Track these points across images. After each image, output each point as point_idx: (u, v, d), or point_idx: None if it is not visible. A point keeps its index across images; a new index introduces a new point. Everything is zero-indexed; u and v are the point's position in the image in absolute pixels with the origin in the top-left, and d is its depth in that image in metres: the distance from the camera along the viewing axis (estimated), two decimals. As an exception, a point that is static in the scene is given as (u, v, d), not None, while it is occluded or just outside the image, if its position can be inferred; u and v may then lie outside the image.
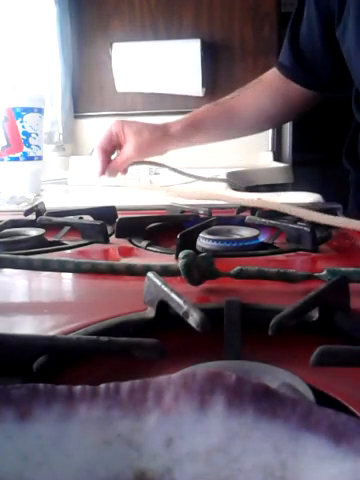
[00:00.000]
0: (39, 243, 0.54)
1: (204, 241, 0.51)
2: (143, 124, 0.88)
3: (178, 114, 1.80)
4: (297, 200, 0.82)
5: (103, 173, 0.86)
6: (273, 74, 0.89)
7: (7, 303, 0.38)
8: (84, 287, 0.42)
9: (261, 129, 0.99)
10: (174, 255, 0.47)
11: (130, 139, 0.85)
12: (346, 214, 0.71)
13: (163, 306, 0.30)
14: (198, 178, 1.03)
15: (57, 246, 0.54)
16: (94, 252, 0.53)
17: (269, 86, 0.89)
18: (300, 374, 0.23)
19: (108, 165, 0.86)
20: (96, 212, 0.65)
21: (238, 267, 0.37)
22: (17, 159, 0.99)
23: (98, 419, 0.15)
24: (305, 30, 0.82)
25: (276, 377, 0.22)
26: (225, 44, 1.79)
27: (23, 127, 0.98)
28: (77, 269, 0.40)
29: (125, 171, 0.90)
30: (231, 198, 0.75)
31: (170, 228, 0.59)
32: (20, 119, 0.98)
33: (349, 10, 0.71)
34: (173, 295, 0.29)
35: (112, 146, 0.87)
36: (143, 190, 0.99)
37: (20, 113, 0.98)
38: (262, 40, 1.78)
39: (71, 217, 0.63)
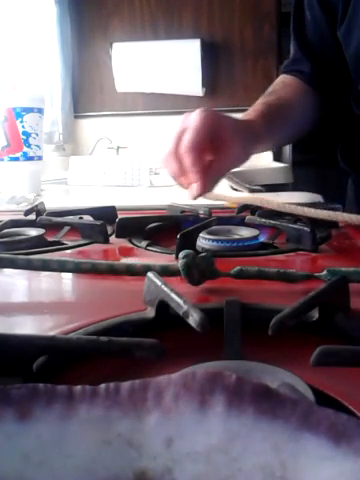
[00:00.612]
0: (39, 243, 0.54)
1: (204, 241, 0.51)
2: (233, 119, 0.65)
3: (178, 114, 1.81)
4: (297, 200, 0.82)
5: (204, 191, 0.59)
6: (292, 79, 0.82)
7: (7, 303, 0.38)
8: (84, 287, 0.42)
9: (307, 130, 0.84)
10: (174, 255, 0.47)
11: (235, 137, 0.61)
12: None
13: (163, 306, 0.30)
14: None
15: (57, 246, 0.54)
16: (94, 252, 0.53)
17: (298, 89, 0.81)
18: (300, 374, 0.23)
19: (205, 173, 0.58)
20: (96, 212, 0.65)
21: (238, 267, 0.37)
22: (17, 159, 1.00)
23: (98, 419, 0.15)
24: (312, 33, 0.80)
25: (276, 377, 0.22)
26: (225, 44, 1.80)
27: (23, 127, 0.98)
28: (77, 269, 0.40)
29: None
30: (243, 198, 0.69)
31: (170, 228, 0.59)
32: (20, 119, 0.98)
33: (354, 11, 0.70)
34: (173, 295, 0.29)
35: (209, 148, 0.60)
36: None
37: (20, 113, 0.98)
38: (262, 40, 1.78)
39: (71, 217, 0.63)
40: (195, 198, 0.60)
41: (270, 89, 0.81)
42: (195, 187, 0.58)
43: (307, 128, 0.84)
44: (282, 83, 0.82)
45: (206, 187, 0.59)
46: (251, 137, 0.64)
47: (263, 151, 0.81)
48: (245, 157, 0.64)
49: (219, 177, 0.62)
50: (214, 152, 0.60)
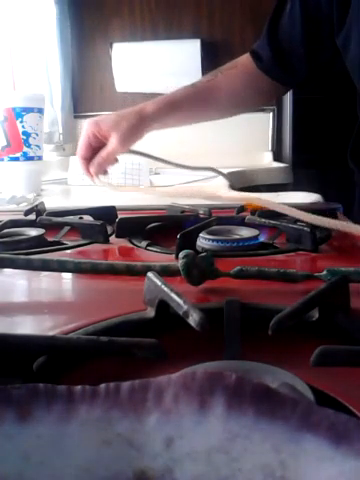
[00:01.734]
0: (39, 243, 0.54)
1: (204, 241, 0.51)
2: (117, 115, 0.86)
3: (178, 114, 1.81)
4: (297, 200, 0.82)
5: (94, 176, 0.85)
6: (247, 61, 0.89)
7: (7, 303, 0.38)
8: (84, 287, 0.42)
9: (232, 113, 0.98)
10: (174, 255, 0.47)
11: (111, 134, 0.82)
12: (351, 216, 0.71)
13: (163, 306, 0.30)
14: (184, 167, 1.01)
15: (57, 246, 0.54)
16: (94, 252, 0.53)
17: (244, 72, 0.90)
18: (300, 374, 0.23)
19: (91, 163, 0.84)
20: (96, 212, 0.65)
21: (238, 267, 0.37)
22: (17, 159, 1.00)
23: (98, 419, 0.15)
24: (286, 28, 0.83)
25: (276, 377, 0.22)
26: (225, 44, 1.79)
27: (23, 127, 0.98)
28: (77, 269, 0.40)
29: (106, 170, 0.88)
30: (229, 198, 0.74)
31: (170, 228, 0.59)
32: (20, 119, 0.98)
33: (352, 19, 0.71)
34: (173, 295, 0.29)
35: (93, 151, 0.84)
36: (139, 191, 0.97)
37: (20, 113, 0.98)
38: (262, 40, 1.78)
39: (71, 217, 0.63)
40: (93, 180, 0.86)
41: (222, 66, 0.94)
42: (86, 173, 0.85)
43: (239, 110, 0.98)
44: (233, 63, 0.92)
45: (89, 173, 0.84)
46: (131, 128, 0.83)
47: (164, 128, 0.94)
48: (123, 145, 0.83)
49: (102, 161, 0.83)
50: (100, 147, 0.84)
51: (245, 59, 0.90)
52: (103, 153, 0.83)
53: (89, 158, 0.84)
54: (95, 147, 0.84)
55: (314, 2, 0.76)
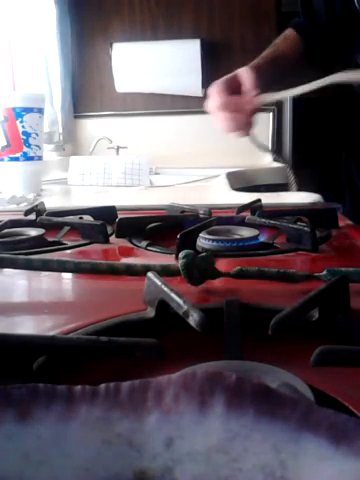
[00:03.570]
0: (39, 243, 0.54)
1: (204, 241, 0.51)
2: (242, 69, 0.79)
3: (178, 114, 1.81)
4: (297, 200, 0.82)
5: (248, 100, 0.73)
6: (296, 36, 0.89)
7: (7, 303, 0.38)
8: (84, 287, 0.42)
9: (298, 79, 0.97)
10: (174, 255, 0.47)
11: (239, 73, 0.76)
12: (345, 208, 0.71)
13: (163, 306, 0.30)
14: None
15: (57, 246, 0.54)
16: (94, 252, 0.53)
17: (296, 47, 0.89)
18: (300, 374, 0.23)
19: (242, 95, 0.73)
20: (96, 212, 0.65)
21: (238, 267, 0.37)
22: (17, 159, 1.00)
23: (98, 419, 0.15)
24: (321, 6, 0.84)
25: (276, 377, 0.22)
26: (225, 44, 1.79)
27: (23, 127, 0.98)
28: (77, 269, 0.40)
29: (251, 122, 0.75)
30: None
31: (170, 228, 0.59)
32: (20, 119, 0.98)
33: None
34: (173, 295, 0.29)
35: (232, 90, 0.74)
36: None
37: (20, 113, 0.98)
38: (262, 40, 1.77)
39: (71, 217, 0.63)
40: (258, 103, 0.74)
41: (274, 42, 0.91)
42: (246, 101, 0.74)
43: (298, 78, 0.92)
44: (284, 36, 0.91)
45: (250, 98, 0.73)
46: (255, 70, 0.76)
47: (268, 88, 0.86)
48: (257, 79, 0.74)
49: (253, 87, 0.73)
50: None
51: (292, 34, 0.90)
52: (247, 82, 0.74)
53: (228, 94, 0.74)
54: (234, 88, 0.75)
55: None
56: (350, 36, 0.81)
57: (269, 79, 0.81)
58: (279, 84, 0.85)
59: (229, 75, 0.77)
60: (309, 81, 0.75)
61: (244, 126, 0.73)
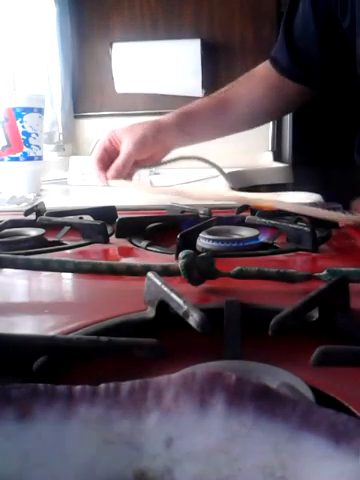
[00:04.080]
0: (39, 243, 0.54)
1: (204, 241, 0.51)
2: (135, 123, 0.86)
3: (178, 114, 1.81)
4: (297, 200, 0.81)
5: (106, 179, 0.83)
6: (266, 68, 0.88)
7: (7, 303, 0.38)
8: (84, 287, 0.42)
9: (256, 123, 0.96)
10: (174, 255, 0.47)
11: (124, 137, 0.82)
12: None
13: (163, 306, 0.30)
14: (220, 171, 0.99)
15: (57, 246, 0.54)
16: (94, 252, 0.53)
17: (263, 80, 0.89)
18: (300, 374, 0.23)
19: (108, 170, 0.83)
20: (96, 212, 0.65)
21: (238, 267, 0.37)
22: (17, 159, 1.00)
23: (98, 419, 0.15)
24: (300, 26, 0.82)
25: (276, 377, 0.22)
26: (225, 44, 1.79)
27: (23, 127, 0.98)
28: (77, 269, 0.40)
29: (130, 175, 0.85)
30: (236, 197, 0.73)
31: (170, 228, 0.59)
32: (20, 119, 0.98)
33: (354, 6, 0.71)
34: (173, 295, 0.29)
35: (108, 154, 0.84)
36: (148, 192, 0.91)
37: (20, 113, 0.98)
38: (262, 40, 1.78)
39: (71, 217, 0.63)
40: (109, 182, 0.83)
41: (240, 77, 0.91)
42: (101, 180, 0.85)
43: (262, 119, 0.96)
44: (250, 73, 0.91)
45: (108, 176, 0.82)
46: (146, 136, 0.82)
47: (189, 144, 0.93)
48: (137, 151, 0.82)
49: (117, 168, 0.82)
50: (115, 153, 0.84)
51: (262, 68, 0.90)
52: (118, 159, 0.82)
53: (105, 160, 0.84)
54: (110, 152, 0.84)
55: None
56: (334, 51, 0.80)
57: (183, 129, 0.85)
58: (217, 128, 0.91)
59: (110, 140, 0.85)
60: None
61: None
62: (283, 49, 0.85)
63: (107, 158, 0.84)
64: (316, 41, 0.80)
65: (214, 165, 0.98)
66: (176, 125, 0.85)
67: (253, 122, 0.96)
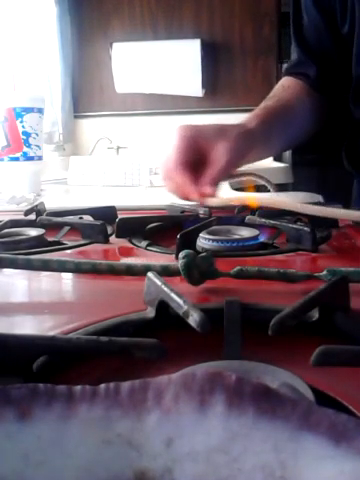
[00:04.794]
0: (39, 243, 0.54)
1: (204, 241, 0.51)
2: (219, 124, 0.68)
3: (178, 114, 1.81)
4: (297, 200, 0.81)
5: (203, 194, 0.61)
6: (296, 83, 0.83)
7: (7, 303, 0.38)
8: (84, 287, 0.42)
9: (310, 134, 0.86)
10: (174, 255, 0.47)
11: (217, 140, 0.63)
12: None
13: (163, 306, 0.30)
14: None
15: (57, 246, 0.54)
16: (94, 252, 0.53)
17: (300, 92, 0.82)
18: (300, 374, 0.23)
19: (199, 183, 0.61)
20: (96, 212, 0.65)
21: (238, 267, 0.37)
22: (17, 159, 1.00)
23: (98, 419, 0.15)
24: (312, 34, 0.81)
25: (276, 377, 0.22)
26: (225, 44, 1.79)
27: (23, 127, 0.98)
28: (77, 269, 0.40)
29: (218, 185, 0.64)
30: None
31: (170, 228, 0.59)
32: (20, 119, 0.98)
33: (355, 12, 0.70)
34: (173, 295, 0.29)
35: (195, 157, 0.63)
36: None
37: (20, 113, 0.98)
38: (262, 40, 1.78)
39: (71, 217, 0.63)
40: (203, 204, 0.63)
41: (271, 93, 0.82)
42: (195, 196, 0.62)
43: (309, 131, 0.86)
44: (282, 86, 0.84)
45: (203, 193, 0.61)
46: (241, 141, 0.65)
47: (265, 157, 0.82)
48: (236, 160, 0.65)
49: (214, 182, 0.63)
50: (201, 162, 0.63)
51: (289, 81, 0.84)
52: (215, 168, 0.62)
53: (192, 165, 0.63)
54: (196, 155, 0.63)
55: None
56: (345, 58, 0.77)
57: (268, 136, 0.72)
58: (280, 138, 0.78)
59: (196, 143, 0.63)
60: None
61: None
62: (308, 64, 0.82)
63: (193, 162, 0.63)
64: (333, 49, 0.79)
65: (268, 181, 0.88)
66: (263, 135, 0.71)
67: (309, 133, 0.86)
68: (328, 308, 0.30)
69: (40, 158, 1.03)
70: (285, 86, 0.83)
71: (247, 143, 0.66)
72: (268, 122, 0.72)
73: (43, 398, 0.15)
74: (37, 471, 0.15)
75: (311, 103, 0.82)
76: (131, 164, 1.18)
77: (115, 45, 1.75)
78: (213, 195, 0.62)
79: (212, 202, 0.62)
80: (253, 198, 0.61)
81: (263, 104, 0.78)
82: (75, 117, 1.84)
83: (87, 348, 0.25)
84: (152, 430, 0.15)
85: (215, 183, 0.62)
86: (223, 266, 0.37)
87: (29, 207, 0.68)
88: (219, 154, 0.63)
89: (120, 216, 0.59)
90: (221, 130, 0.65)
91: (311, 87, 0.82)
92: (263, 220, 0.54)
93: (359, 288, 0.34)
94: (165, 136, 0.71)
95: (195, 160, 0.63)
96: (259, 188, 0.99)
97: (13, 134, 0.98)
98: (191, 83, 1.74)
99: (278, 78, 0.94)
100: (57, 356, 0.26)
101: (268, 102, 0.78)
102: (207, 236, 0.51)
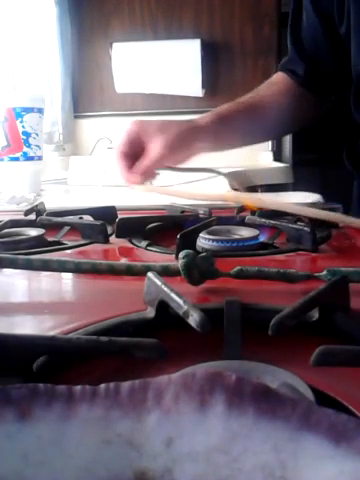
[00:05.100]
0: (39, 243, 0.54)
1: (204, 241, 0.51)
2: (167, 120, 0.77)
3: (178, 114, 1.81)
4: (297, 200, 0.82)
5: (131, 181, 0.72)
6: (284, 79, 0.86)
7: (7, 303, 0.38)
8: (84, 287, 0.42)
9: (283, 132, 0.91)
10: (174, 255, 0.47)
11: (157, 135, 0.71)
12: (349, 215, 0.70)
13: (163, 306, 0.30)
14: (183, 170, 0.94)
15: (57, 246, 0.54)
16: (94, 252, 0.53)
17: (285, 89, 0.85)
18: (300, 374, 0.23)
19: (133, 170, 0.71)
20: (96, 212, 0.65)
21: (238, 267, 0.37)
22: (17, 159, 1.00)
23: (98, 419, 0.15)
24: (308, 34, 0.82)
25: (276, 377, 0.22)
26: (225, 44, 1.79)
27: (23, 127, 0.98)
28: (77, 269, 0.40)
29: (154, 176, 0.74)
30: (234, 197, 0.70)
31: (170, 228, 0.59)
32: (20, 119, 0.98)
33: (350, 14, 0.71)
34: (173, 295, 0.29)
35: (134, 149, 0.72)
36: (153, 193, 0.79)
37: (20, 113, 0.98)
38: (262, 40, 1.78)
39: (71, 217, 0.63)
40: (132, 187, 0.73)
41: (257, 88, 0.87)
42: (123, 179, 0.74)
43: (288, 125, 0.90)
44: (269, 82, 0.87)
45: (133, 181, 0.72)
46: (182, 136, 0.73)
47: (223, 149, 0.86)
48: (169, 154, 0.72)
49: (144, 171, 0.71)
50: (141, 154, 0.72)
51: (281, 77, 0.87)
52: (146, 160, 0.71)
53: (130, 155, 0.72)
54: (136, 147, 0.72)
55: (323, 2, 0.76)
56: (340, 59, 0.79)
57: (223, 130, 0.79)
58: (244, 131, 0.83)
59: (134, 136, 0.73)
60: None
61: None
62: (297, 61, 0.83)
63: (132, 153, 0.72)
64: (328, 51, 0.80)
65: (220, 173, 0.92)
66: (213, 130, 0.77)
67: (281, 130, 0.92)
68: (328, 308, 0.30)
69: (40, 158, 1.03)
70: (273, 81, 0.87)
71: (190, 138, 0.74)
72: (228, 117, 0.79)
73: (43, 398, 0.15)
74: (37, 471, 0.15)
75: (294, 100, 0.85)
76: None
77: (115, 45, 1.75)
78: (140, 183, 0.72)
79: (138, 189, 0.72)
80: (245, 197, 0.65)
81: (239, 98, 0.85)
82: (75, 117, 1.84)
83: (87, 348, 0.25)
84: (152, 430, 0.15)
85: (144, 173, 0.71)
86: (223, 266, 0.37)
87: (29, 207, 0.68)
88: (153, 148, 0.71)
89: (120, 216, 0.59)
90: (163, 126, 0.74)
91: (299, 84, 0.84)
92: (263, 220, 0.54)
93: (359, 288, 0.34)
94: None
95: (135, 152, 0.72)
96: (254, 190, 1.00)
97: (13, 134, 0.98)
98: (191, 83, 1.74)
99: (278, 78, 0.95)
100: (57, 356, 0.26)
101: (243, 98, 0.85)
102: (207, 236, 0.51)
